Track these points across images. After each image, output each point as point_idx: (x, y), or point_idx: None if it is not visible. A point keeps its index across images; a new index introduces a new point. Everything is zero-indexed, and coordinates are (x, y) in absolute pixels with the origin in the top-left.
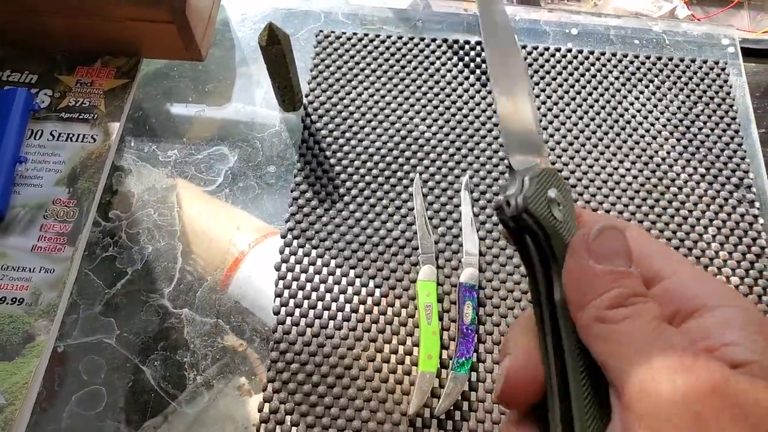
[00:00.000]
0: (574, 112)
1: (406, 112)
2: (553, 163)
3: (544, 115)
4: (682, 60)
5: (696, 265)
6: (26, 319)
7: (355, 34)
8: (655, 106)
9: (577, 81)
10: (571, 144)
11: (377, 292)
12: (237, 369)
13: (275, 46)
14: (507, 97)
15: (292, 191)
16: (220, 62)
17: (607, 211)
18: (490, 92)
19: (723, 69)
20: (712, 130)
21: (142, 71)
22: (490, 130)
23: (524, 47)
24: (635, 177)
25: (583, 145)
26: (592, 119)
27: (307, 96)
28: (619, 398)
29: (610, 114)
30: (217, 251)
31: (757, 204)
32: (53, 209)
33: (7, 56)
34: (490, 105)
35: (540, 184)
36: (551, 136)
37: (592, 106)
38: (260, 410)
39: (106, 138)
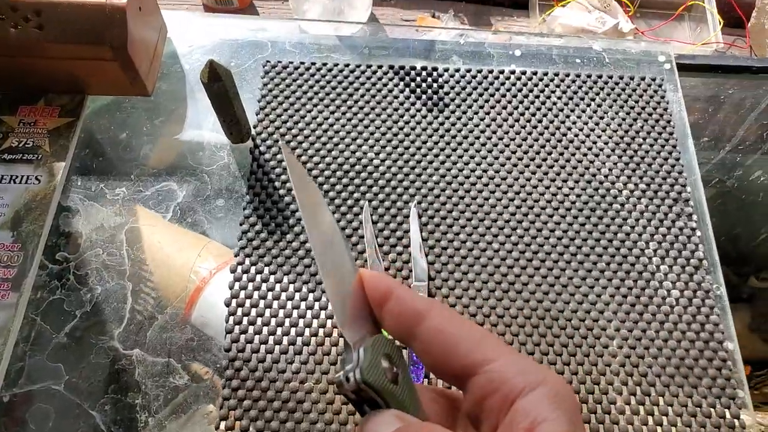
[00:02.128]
0: (518, 133)
1: (354, 139)
2: (498, 185)
3: (489, 137)
4: (621, 77)
5: (633, 274)
6: None
7: (302, 63)
8: (597, 123)
9: (521, 102)
10: (515, 165)
11: (328, 323)
12: (186, 404)
13: (217, 83)
14: (332, 278)
15: (241, 224)
16: (170, 94)
17: (552, 230)
18: (436, 117)
19: (660, 85)
20: (651, 145)
21: (89, 107)
22: (436, 155)
23: (469, 70)
24: (578, 195)
25: (527, 165)
26: (536, 139)
27: (255, 127)
28: None
29: (553, 133)
30: (178, 279)
31: (694, 217)
32: None
33: None
34: (436, 130)
35: (374, 354)
36: (496, 158)
37: (535, 127)
38: None
39: (52, 178)
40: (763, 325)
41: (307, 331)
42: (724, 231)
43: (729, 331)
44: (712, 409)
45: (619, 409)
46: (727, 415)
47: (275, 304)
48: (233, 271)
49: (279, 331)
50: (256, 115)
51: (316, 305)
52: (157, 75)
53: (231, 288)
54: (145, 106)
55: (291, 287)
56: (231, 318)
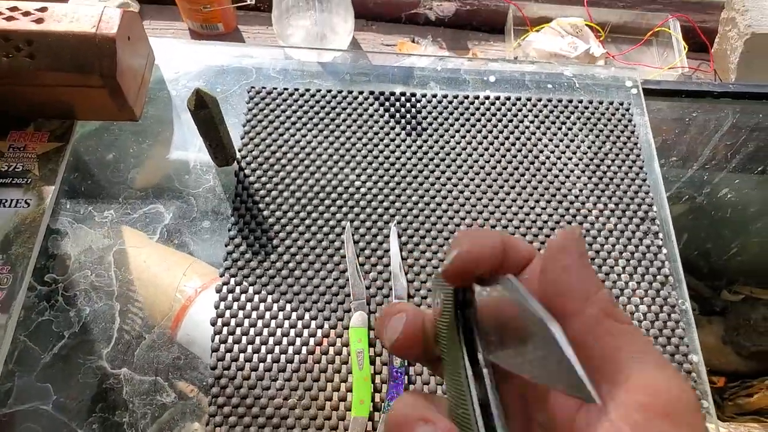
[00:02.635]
0: (492, 155)
1: (336, 162)
2: (474, 206)
3: (465, 160)
4: (590, 102)
5: None
6: None
7: (285, 89)
8: (567, 146)
9: (495, 126)
10: (490, 186)
11: (311, 341)
12: (174, 422)
13: (204, 110)
14: None
15: (226, 245)
16: (157, 119)
17: None
18: (414, 141)
19: (627, 109)
20: (619, 167)
21: (77, 132)
22: (415, 177)
23: (446, 96)
24: (550, 215)
25: (502, 187)
26: (509, 162)
27: (240, 150)
28: (621, 388)
29: (526, 156)
30: (164, 299)
31: (660, 235)
32: None
33: None
34: (415, 153)
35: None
36: (471, 179)
37: (509, 150)
38: None
39: (41, 202)
40: (735, 337)
41: (290, 349)
42: (696, 246)
43: (693, 344)
44: None
45: None
46: None
47: (260, 323)
48: (218, 291)
49: (263, 349)
50: (241, 138)
51: (299, 324)
52: (145, 100)
53: (216, 308)
54: (133, 130)
55: (275, 306)
56: (217, 337)
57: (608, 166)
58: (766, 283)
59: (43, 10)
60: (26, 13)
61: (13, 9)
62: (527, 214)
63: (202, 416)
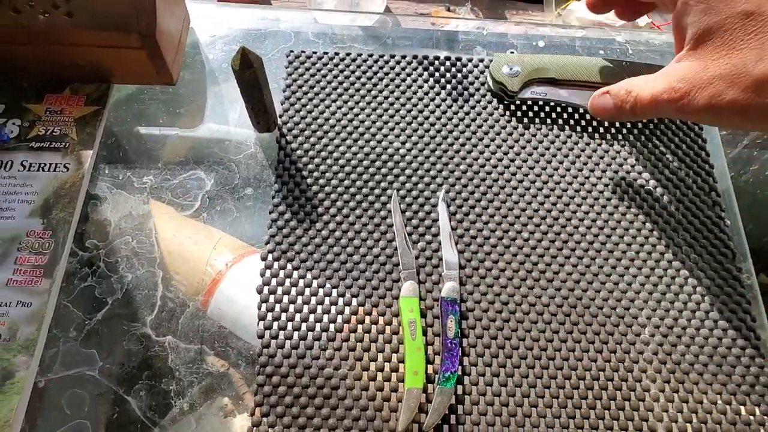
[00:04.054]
0: (545, 122)
1: (380, 129)
2: (526, 174)
3: (515, 127)
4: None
5: (663, 264)
6: (4, 356)
7: (325, 53)
8: None
9: None
10: (543, 154)
11: (360, 310)
12: (220, 390)
13: (249, 70)
14: None
15: (270, 213)
16: (191, 84)
17: (581, 219)
18: (461, 107)
19: None
20: (677, 135)
21: (113, 96)
22: (463, 144)
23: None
24: (606, 184)
25: (555, 156)
26: (562, 129)
27: (281, 116)
28: None
29: (578, 122)
30: (195, 273)
31: (723, 207)
32: (28, 241)
33: None
34: (462, 119)
35: None
36: (523, 147)
37: (560, 115)
38: None
39: (79, 166)
40: None
41: (339, 318)
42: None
43: (761, 319)
44: (746, 396)
45: (653, 396)
46: (762, 392)
47: (307, 291)
48: (264, 258)
49: (311, 317)
50: (282, 104)
51: (347, 292)
52: (181, 64)
53: (262, 275)
54: (169, 96)
55: (322, 275)
56: (263, 305)
57: (665, 135)
58: None
59: None
60: None
61: None
62: (582, 184)
63: (229, 392)
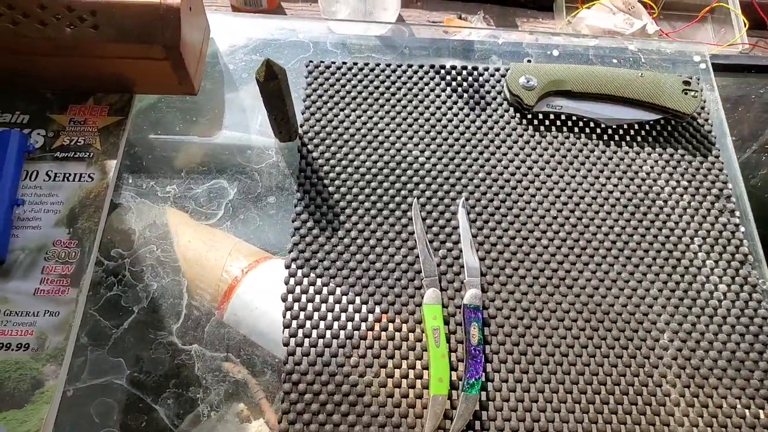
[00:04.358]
0: (560, 130)
1: (399, 137)
2: (544, 182)
3: (532, 135)
4: None
5: (680, 270)
6: (33, 365)
7: (344, 63)
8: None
9: None
10: (560, 163)
11: (384, 317)
12: (237, 396)
13: (273, 81)
14: None
15: (293, 221)
16: (210, 94)
17: (599, 226)
18: (479, 115)
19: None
20: (690, 143)
21: (135, 106)
22: (481, 152)
23: (508, 69)
24: (622, 192)
25: (572, 163)
26: (578, 137)
27: (301, 126)
28: None
29: (594, 130)
30: (210, 279)
31: (737, 213)
32: (54, 251)
33: None
34: (479, 128)
35: None
36: (540, 155)
37: (576, 123)
38: None
39: (104, 176)
40: None
41: (363, 326)
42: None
43: None
44: (765, 401)
45: (674, 401)
46: None
47: (330, 299)
48: (288, 266)
49: (335, 325)
50: (302, 113)
51: (371, 300)
52: (202, 74)
53: (287, 283)
54: (191, 105)
55: (345, 282)
56: (288, 313)
57: (679, 143)
58: None
59: None
60: None
61: None
62: (599, 191)
63: (246, 397)
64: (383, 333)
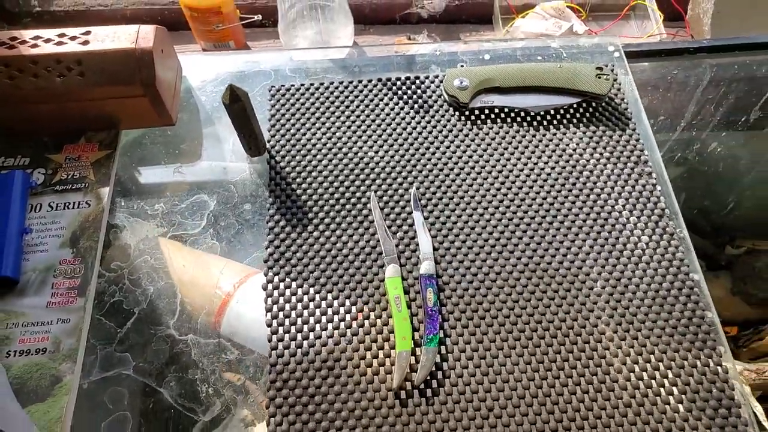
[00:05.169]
0: (492, 120)
1: (355, 142)
2: (483, 167)
3: (471, 129)
4: None
5: (608, 227)
6: (51, 365)
7: (302, 84)
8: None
9: None
10: (495, 149)
11: (353, 294)
12: (240, 403)
13: (237, 103)
14: None
15: (268, 222)
16: (188, 125)
17: (534, 199)
18: (423, 117)
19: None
20: (610, 120)
21: (123, 140)
22: (427, 148)
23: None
24: (552, 167)
25: (506, 149)
26: (505, 122)
27: (269, 142)
28: None
29: (524, 118)
30: (204, 296)
31: (654, 175)
32: (61, 269)
33: None
34: (424, 128)
35: None
36: (479, 145)
37: (506, 113)
38: (270, 401)
39: (99, 202)
40: (743, 287)
41: (335, 303)
42: (695, 205)
43: (693, 265)
44: (686, 328)
45: (608, 337)
46: (695, 331)
47: (305, 284)
48: (266, 261)
49: (311, 305)
50: (269, 131)
51: (341, 281)
52: (178, 107)
53: (266, 275)
54: (172, 134)
55: (317, 269)
56: (269, 299)
57: (600, 120)
58: (765, 234)
59: (87, 33)
60: (73, 38)
61: (62, 35)
62: (532, 170)
63: (250, 404)
64: (353, 306)
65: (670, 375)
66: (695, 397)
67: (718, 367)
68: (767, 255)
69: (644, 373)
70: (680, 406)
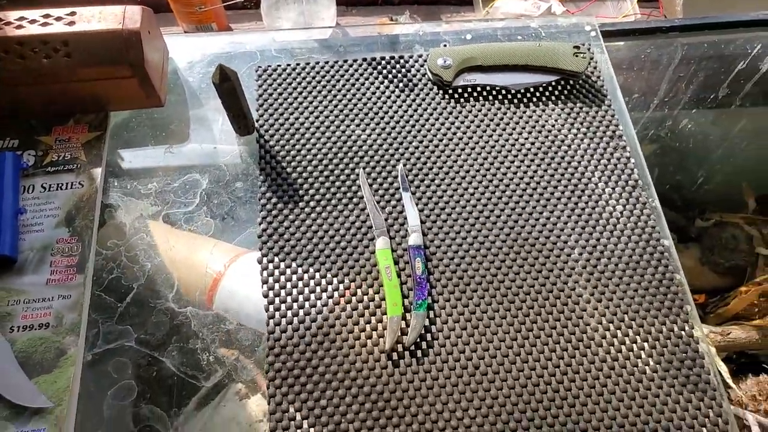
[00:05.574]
0: (476, 98)
1: (342, 121)
2: (466, 143)
3: (454, 107)
4: None
5: (584, 198)
6: (55, 339)
7: (288, 64)
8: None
9: None
10: (478, 126)
11: (345, 266)
12: (235, 377)
13: (227, 83)
14: None
15: (260, 199)
16: (175, 107)
17: (515, 173)
18: (408, 95)
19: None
20: (587, 97)
21: (112, 122)
22: (413, 125)
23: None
24: (532, 143)
25: (488, 125)
26: (487, 99)
27: (257, 121)
28: None
29: (505, 95)
30: (197, 276)
31: (627, 148)
32: (58, 247)
33: None
34: (409, 105)
35: None
36: (462, 122)
37: (488, 90)
38: (269, 362)
39: (92, 182)
40: (711, 257)
41: (328, 274)
42: (667, 180)
43: (664, 231)
44: (656, 290)
45: (585, 300)
46: (665, 292)
47: (299, 257)
48: (260, 236)
49: (306, 276)
50: (257, 111)
51: (333, 254)
52: (167, 89)
53: (260, 249)
54: (159, 116)
55: (309, 243)
56: (264, 272)
57: (577, 98)
58: (732, 207)
59: (72, 14)
60: (58, 18)
61: (47, 16)
62: (513, 145)
63: (244, 378)
64: (346, 277)
65: (642, 333)
66: (664, 352)
67: (685, 324)
68: (734, 226)
69: (618, 332)
70: (650, 360)
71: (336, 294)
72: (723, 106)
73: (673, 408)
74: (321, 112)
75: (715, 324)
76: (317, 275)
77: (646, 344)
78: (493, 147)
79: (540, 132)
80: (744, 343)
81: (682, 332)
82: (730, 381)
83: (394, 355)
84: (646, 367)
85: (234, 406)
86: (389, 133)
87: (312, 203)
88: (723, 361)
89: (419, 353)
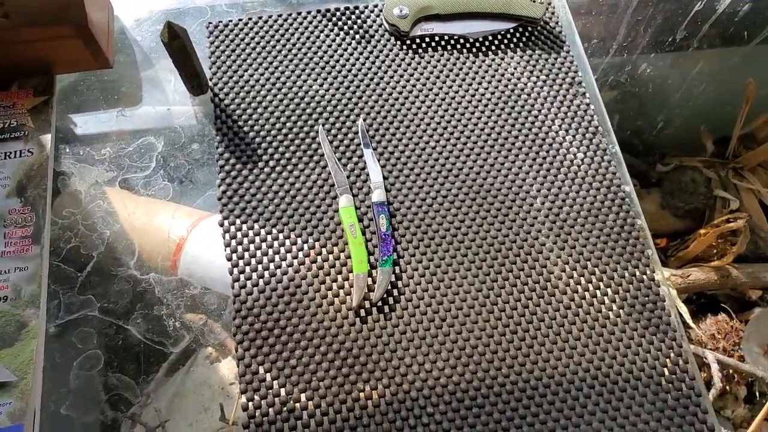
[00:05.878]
0: (435, 50)
1: (299, 76)
2: (427, 96)
3: (413, 58)
4: None
5: (545, 147)
6: (14, 312)
7: (240, 19)
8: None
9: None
10: (437, 77)
11: (309, 225)
12: (204, 341)
13: (176, 40)
14: None
15: (218, 161)
16: (125, 68)
17: (475, 124)
18: (365, 47)
19: None
20: (546, 44)
21: (58, 86)
22: (371, 78)
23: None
24: (492, 92)
25: (448, 76)
26: (445, 48)
27: (211, 80)
28: None
29: (463, 44)
30: (158, 242)
31: (587, 95)
32: (11, 218)
33: None
34: (367, 58)
35: None
36: (421, 73)
37: (447, 39)
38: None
39: (42, 149)
40: (671, 201)
41: (292, 234)
42: (628, 126)
43: (625, 177)
44: (618, 235)
45: (548, 248)
46: (627, 237)
47: (261, 218)
48: (220, 198)
49: (269, 237)
50: (210, 69)
51: (296, 214)
52: (114, 49)
53: (221, 212)
54: (109, 78)
55: (271, 204)
56: (227, 234)
57: (536, 44)
58: (691, 150)
59: None
60: None
61: None
62: (473, 95)
63: (212, 342)
64: (310, 237)
65: (605, 279)
66: (626, 296)
67: (647, 268)
68: (693, 170)
69: (581, 278)
70: (613, 304)
71: (301, 254)
72: (681, 49)
73: (636, 350)
74: (276, 68)
75: (676, 267)
76: (281, 236)
77: (609, 289)
78: (453, 98)
79: (500, 81)
80: (703, 284)
81: (644, 276)
82: (690, 321)
83: (362, 312)
84: (609, 312)
85: (205, 370)
86: (348, 87)
87: (272, 163)
88: (683, 302)
89: (386, 309)
